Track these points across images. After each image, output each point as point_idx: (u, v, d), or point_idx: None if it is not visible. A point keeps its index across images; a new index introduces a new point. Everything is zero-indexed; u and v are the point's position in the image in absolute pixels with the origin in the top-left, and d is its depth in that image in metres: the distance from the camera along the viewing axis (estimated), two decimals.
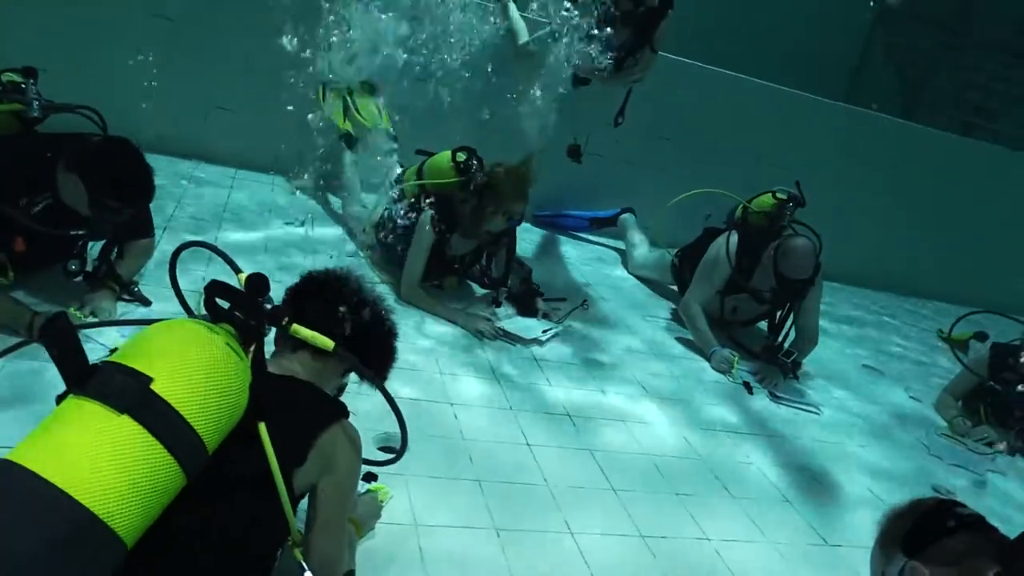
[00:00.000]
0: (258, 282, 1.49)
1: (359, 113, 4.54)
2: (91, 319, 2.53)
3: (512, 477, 2.40)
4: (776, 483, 2.82)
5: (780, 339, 3.91)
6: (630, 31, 3.66)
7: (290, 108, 4.46)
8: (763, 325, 4.14)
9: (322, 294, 1.73)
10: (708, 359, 3.73)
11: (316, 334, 1.56)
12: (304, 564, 1.55)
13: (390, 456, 1.80)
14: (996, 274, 6.29)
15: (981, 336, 4.88)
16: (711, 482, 2.71)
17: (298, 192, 4.43)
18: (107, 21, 4.11)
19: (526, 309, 3.62)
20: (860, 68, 10.03)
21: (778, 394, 3.57)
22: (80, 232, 2.58)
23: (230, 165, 4.55)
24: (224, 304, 1.48)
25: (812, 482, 2.91)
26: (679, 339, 3.94)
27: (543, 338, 3.41)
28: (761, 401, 3.50)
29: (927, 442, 3.54)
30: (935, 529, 1.36)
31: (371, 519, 1.94)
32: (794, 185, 4.07)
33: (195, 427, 1.27)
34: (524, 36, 4.34)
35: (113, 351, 1.34)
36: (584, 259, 4.80)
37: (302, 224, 3.96)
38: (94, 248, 2.73)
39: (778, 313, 3.98)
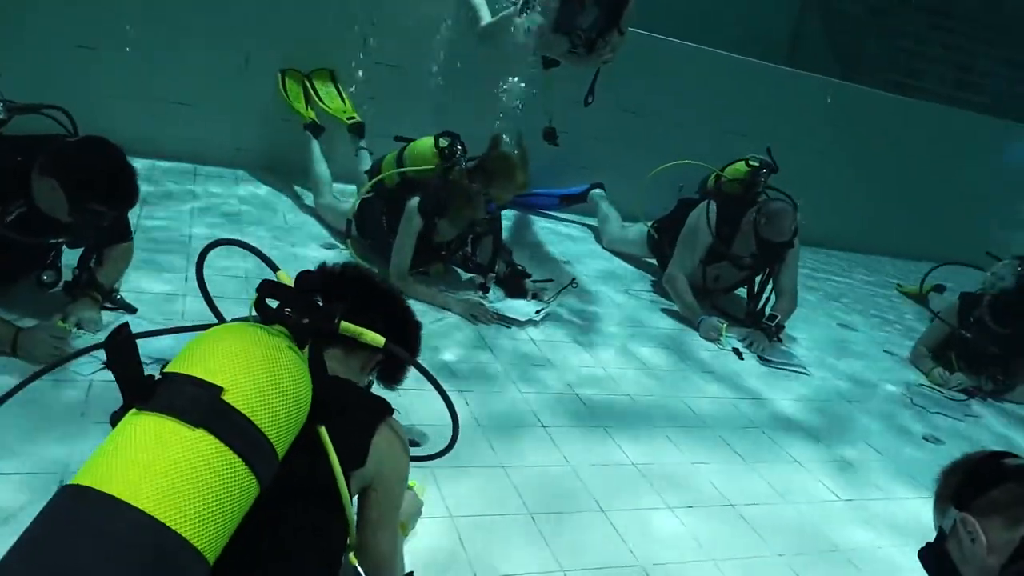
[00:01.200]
0: (310, 279, 1.43)
1: (321, 100, 4.43)
2: (78, 331, 2.40)
3: (535, 461, 2.38)
4: (782, 444, 2.88)
5: (761, 304, 3.99)
6: (598, 12, 3.62)
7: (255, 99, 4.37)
8: (741, 292, 4.21)
9: (349, 288, 1.67)
10: (696, 328, 3.77)
11: (364, 330, 1.50)
12: (360, 569, 1.51)
13: (438, 450, 1.75)
14: (947, 228, 6.53)
15: (939, 288, 5.07)
16: (722, 446, 2.74)
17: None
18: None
19: (515, 291, 3.59)
20: (798, 35, 10.23)
21: (767, 357, 3.63)
22: (59, 240, 2.45)
23: (188, 161, 4.37)
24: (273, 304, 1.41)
25: (814, 440, 2.97)
26: (664, 311, 3.97)
27: (537, 318, 3.39)
28: (752, 366, 3.56)
29: (910, 394, 3.66)
30: (982, 481, 1.39)
31: (414, 517, 1.90)
32: (764, 152, 4.12)
33: (268, 435, 1.21)
34: (487, 18, 4.27)
35: (163, 363, 1.27)
36: (558, 237, 4.79)
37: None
38: (67, 257, 2.59)
39: (757, 278, 4.05)
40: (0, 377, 2.08)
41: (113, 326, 2.39)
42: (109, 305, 2.62)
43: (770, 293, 3.97)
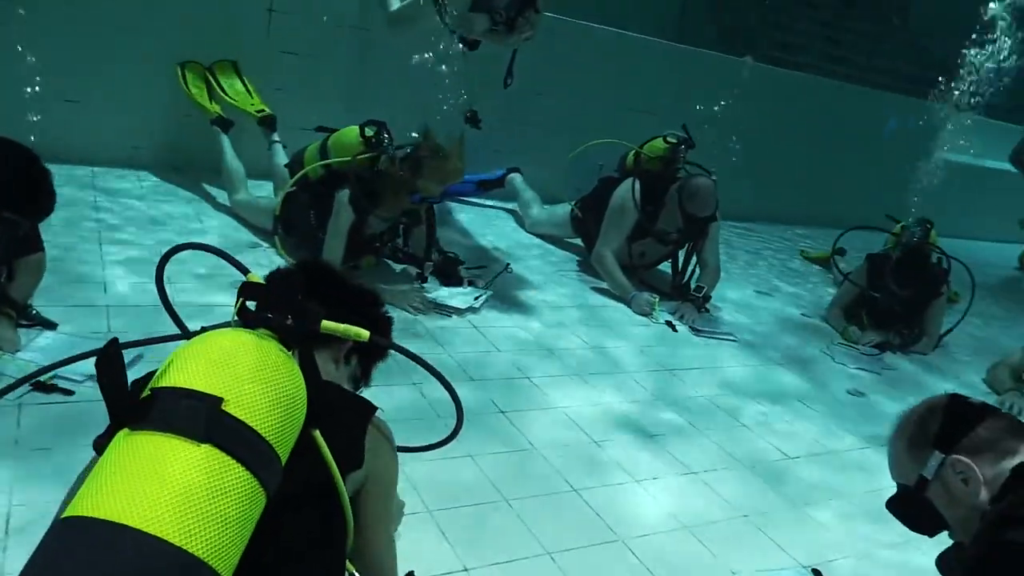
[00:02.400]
0: (291, 280, 1.35)
1: (226, 93, 4.22)
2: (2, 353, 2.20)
3: (501, 447, 2.36)
4: (727, 410, 2.97)
5: (687, 277, 4.10)
6: None
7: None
8: (665, 267, 4.32)
9: (318, 285, 1.59)
10: (628, 304, 3.84)
11: (348, 326, 1.43)
12: (356, 573, 1.45)
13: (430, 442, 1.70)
14: (840, 195, 6.91)
15: (840, 252, 5.36)
16: (672, 416, 2.81)
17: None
18: None
19: (450, 279, 3.55)
20: (685, 10, 10.56)
21: (698, 327, 3.74)
22: None
23: (80, 164, 4.08)
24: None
25: (754, 403, 3.09)
26: (595, 289, 4.02)
27: (477, 305, 3.36)
28: (685, 336, 3.66)
29: (829, 352, 3.86)
30: (962, 422, 1.45)
31: (399, 514, 1.85)
32: (680, 128, 4.22)
33: (272, 443, 1.14)
34: (396, 3, 4.18)
35: (146, 376, 1.17)
36: (480, 223, 4.76)
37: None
38: None
39: (680, 252, 4.16)
40: None
41: (32, 344, 2.25)
42: (25, 322, 2.41)
43: (695, 267, 4.09)
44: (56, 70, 3.84)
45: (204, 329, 1.49)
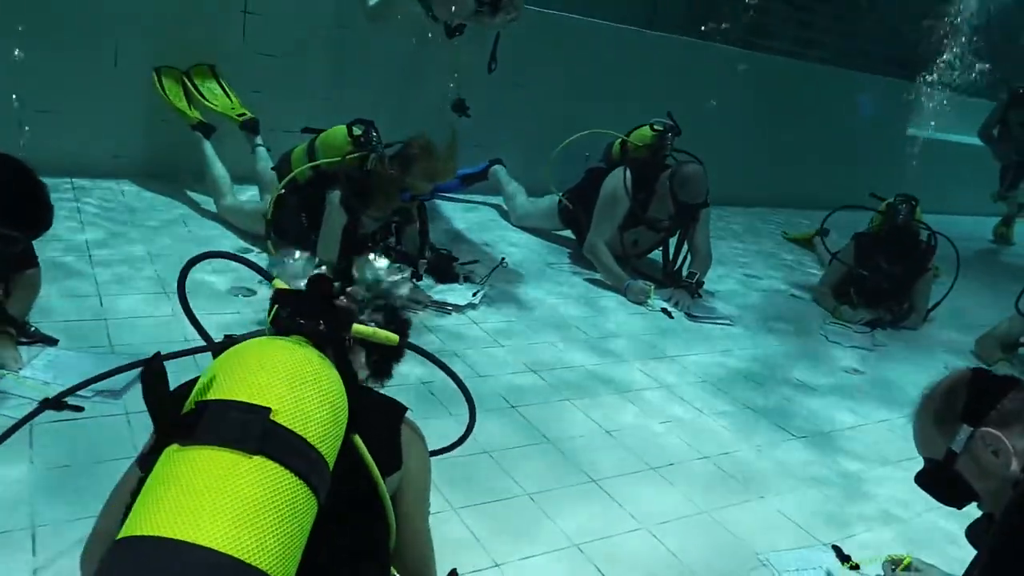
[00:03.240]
0: (326, 284, 1.34)
1: (205, 98, 4.16)
2: (2, 371, 2.15)
3: (514, 442, 2.36)
4: (730, 393, 3.00)
5: (679, 264, 4.13)
6: None
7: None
8: (655, 255, 4.34)
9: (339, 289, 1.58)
10: (623, 293, 3.86)
11: (378, 330, 1.42)
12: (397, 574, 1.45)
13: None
14: (823, 175, 6.99)
15: (824, 232, 5.43)
16: (678, 403, 2.83)
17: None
18: None
19: (446, 276, 3.54)
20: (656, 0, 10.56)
21: (694, 313, 3.77)
22: None
23: (59, 175, 3.99)
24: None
25: (756, 385, 3.12)
26: (588, 280, 4.03)
27: (475, 300, 3.36)
28: (682, 323, 3.68)
29: (823, 332, 3.91)
30: (988, 395, 1.48)
31: None
32: (665, 115, 4.23)
33: (321, 451, 1.13)
34: None
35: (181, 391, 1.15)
36: (465, 219, 4.74)
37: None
38: None
39: (671, 240, 4.18)
40: None
41: (35, 361, 2.20)
42: (24, 339, 2.35)
43: (686, 254, 4.11)
44: (26, 80, 3.76)
45: (228, 338, 1.48)
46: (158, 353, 1.13)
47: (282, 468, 1.06)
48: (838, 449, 2.73)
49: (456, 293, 3.39)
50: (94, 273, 2.97)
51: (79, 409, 2.08)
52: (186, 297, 1.50)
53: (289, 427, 1.10)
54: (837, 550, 2.09)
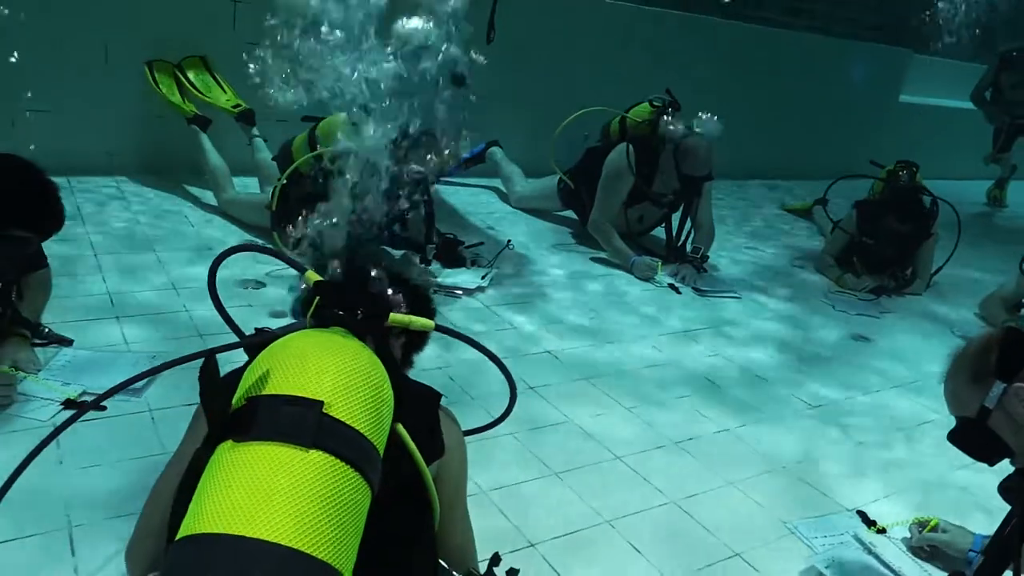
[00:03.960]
0: (365, 274, 1.33)
1: (198, 91, 4.11)
2: (21, 374, 2.14)
3: (540, 422, 2.37)
4: (748, 366, 3.02)
5: (683, 239, 4.13)
6: None
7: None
8: (658, 232, 4.34)
9: (370, 275, 1.57)
10: (630, 270, 3.86)
11: (414, 318, 1.42)
12: (443, 562, 1.46)
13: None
14: (815, 145, 7.00)
15: (822, 201, 5.44)
16: (695, 378, 2.84)
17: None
18: None
19: (453, 260, 3.53)
20: None
21: (701, 288, 3.78)
22: None
23: (56, 174, 3.94)
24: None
25: (768, 356, 3.14)
26: (593, 259, 4.03)
27: (484, 283, 3.35)
28: (690, 298, 3.69)
29: (830, 301, 3.93)
30: (1020, 351, 1.49)
31: None
32: (663, 92, 4.22)
33: (373, 441, 1.13)
34: None
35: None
36: (465, 202, 4.73)
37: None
38: None
39: (675, 215, 4.18)
40: None
41: (52, 362, 2.19)
42: (39, 341, 2.34)
43: (690, 229, 4.11)
44: (17, 80, 3.71)
45: (260, 331, 1.47)
46: (212, 349, 1.12)
47: (338, 460, 1.06)
48: (854, 416, 2.75)
49: (464, 277, 3.38)
50: (101, 272, 2.95)
51: (102, 408, 2.07)
52: (217, 293, 1.49)
53: (342, 419, 1.10)
54: (862, 515, 2.11)
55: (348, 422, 1.10)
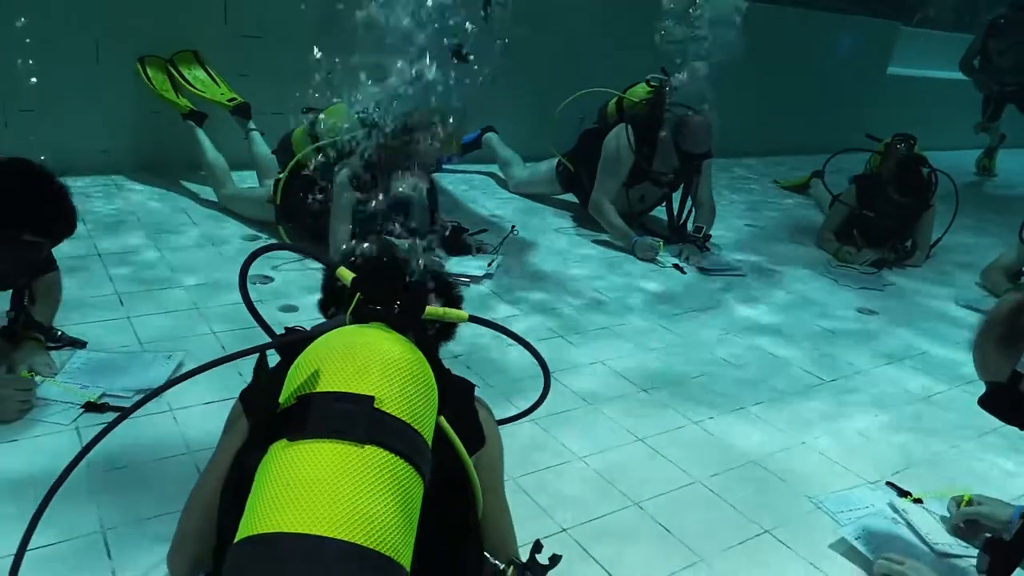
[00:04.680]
0: (400, 268, 1.33)
1: (192, 85, 4.07)
2: (40, 378, 2.12)
3: (556, 408, 2.37)
4: (756, 344, 3.03)
5: (684, 218, 4.13)
6: None
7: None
8: (658, 212, 4.35)
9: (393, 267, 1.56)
10: (631, 251, 3.86)
11: (448, 310, 1.41)
12: (487, 554, 1.46)
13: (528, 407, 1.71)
14: (814, 121, 7.00)
15: (819, 174, 5.46)
16: (707, 355, 2.85)
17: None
18: None
19: (458, 249, 3.52)
20: None
21: (705, 267, 3.79)
22: None
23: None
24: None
25: (777, 334, 3.15)
26: (596, 241, 4.03)
27: (492, 270, 3.35)
28: (695, 277, 3.70)
29: (833, 276, 3.95)
30: None
31: None
32: (659, 71, 4.20)
33: (422, 434, 1.13)
34: None
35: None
36: (463, 189, 4.71)
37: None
38: None
39: (675, 195, 4.18)
40: None
41: (68, 365, 2.17)
42: (52, 344, 2.32)
43: (691, 208, 4.12)
44: (7, 80, 3.65)
45: (291, 330, 1.46)
46: (263, 353, 1.11)
47: (392, 455, 1.06)
48: (870, 390, 2.77)
49: (470, 264, 3.37)
50: (107, 271, 2.92)
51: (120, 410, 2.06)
52: (248, 293, 1.47)
53: (392, 413, 1.10)
54: (893, 485, 2.13)
55: (398, 416, 1.10)
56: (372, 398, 1.08)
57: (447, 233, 3.55)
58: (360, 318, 1.27)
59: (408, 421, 1.11)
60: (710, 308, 3.34)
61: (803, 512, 2.02)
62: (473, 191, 4.70)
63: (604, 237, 4.04)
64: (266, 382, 1.09)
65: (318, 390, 1.09)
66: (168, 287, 2.87)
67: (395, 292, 1.29)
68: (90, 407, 2.05)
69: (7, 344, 2.21)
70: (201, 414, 2.10)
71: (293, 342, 1.28)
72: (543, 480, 2.02)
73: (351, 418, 1.05)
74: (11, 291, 2.21)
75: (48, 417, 1.99)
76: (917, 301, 3.74)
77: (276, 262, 3.19)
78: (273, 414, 1.07)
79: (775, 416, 2.49)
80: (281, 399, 1.12)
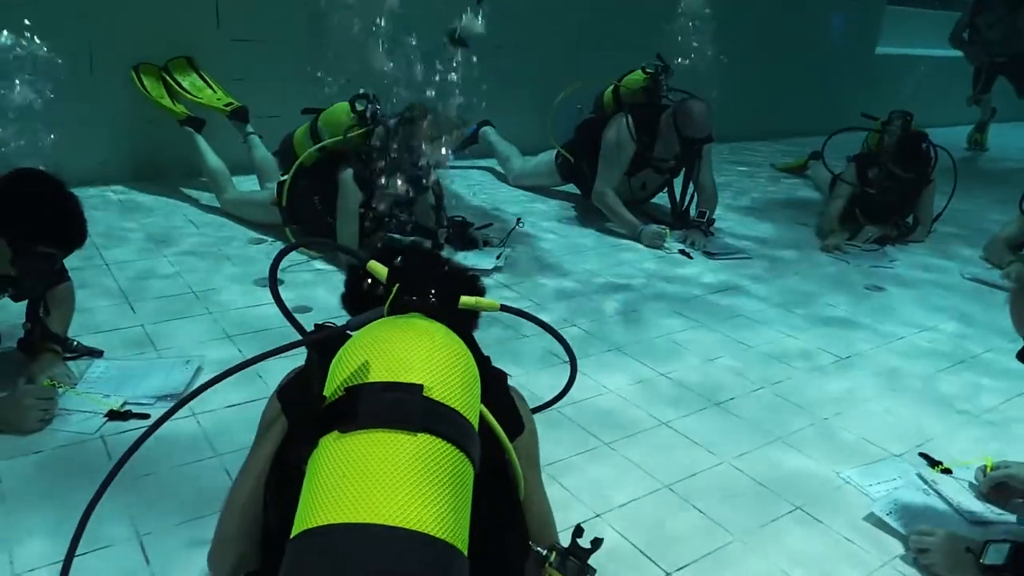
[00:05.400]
0: (438, 258, 1.33)
1: (187, 92, 4.05)
2: (62, 388, 2.11)
3: (580, 395, 2.37)
4: (770, 323, 3.04)
5: (686, 203, 4.14)
6: None
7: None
8: (659, 200, 4.35)
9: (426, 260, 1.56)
10: (638, 239, 3.87)
11: (480, 299, 1.41)
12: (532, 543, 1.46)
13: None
14: (803, 103, 7.01)
15: (816, 155, 5.46)
16: (722, 337, 2.86)
17: None
18: None
19: (465, 243, 3.52)
20: None
21: (711, 251, 3.79)
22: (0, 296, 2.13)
23: None
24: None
25: (788, 312, 3.16)
26: (600, 231, 4.03)
27: (501, 263, 3.35)
28: (703, 263, 3.71)
29: (844, 258, 3.96)
30: None
31: None
32: (655, 58, 4.20)
33: (470, 421, 1.13)
34: None
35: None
36: (463, 184, 4.70)
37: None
38: None
39: (676, 181, 4.19)
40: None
41: (86, 375, 2.16)
42: (69, 355, 2.30)
43: (693, 193, 4.12)
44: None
45: (320, 327, 1.45)
46: (312, 351, 1.11)
47: (445, 442, 1.06)
48: (888, 364, 2.78)
49: (478, 258, 3.37)
50: (116, 282, 2.91)
51: (146, 417, 2.05)
52: (278, 290, 1.47)
53: (441, 401, 1.09)
54: (925, 456, 2.14)
55: (447, 403, 1.10)
56: (421, 386, 1.08)
57: (453, 228, 3.54)
58: (398, 309, 1.27)
59: (457, 408, 1.11)
60: (719, 292, 3.35)
61: (832, 487, 2.02)
62: (473, 186, 4.69)
63: (608, 226, 4.04)
64: (307, 379, 1.09)
65: (366, 381, 1.09)
66: (178, 293, 2.85)
67: (433, 281, 1.29)
68: (113, 415, 2.04)
69: (25, 356, 2.20)
70: (225, 418, 2.09)
71: (326, 338, 1.28)
72: (571, 467, 2.02)
73: (403, 407, 1.05)
74: (26, 303, 2.20)
75: (71, 427, 1.98)
76: (923, 276, 3.75)
77: (284, 264, 3.17)
78: (320, 409, 1.07)
79: (795, 394, 2.50)
80: (327, 393, 1.11)
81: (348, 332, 1.26)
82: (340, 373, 1.13)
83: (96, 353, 2.35)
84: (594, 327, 2.88)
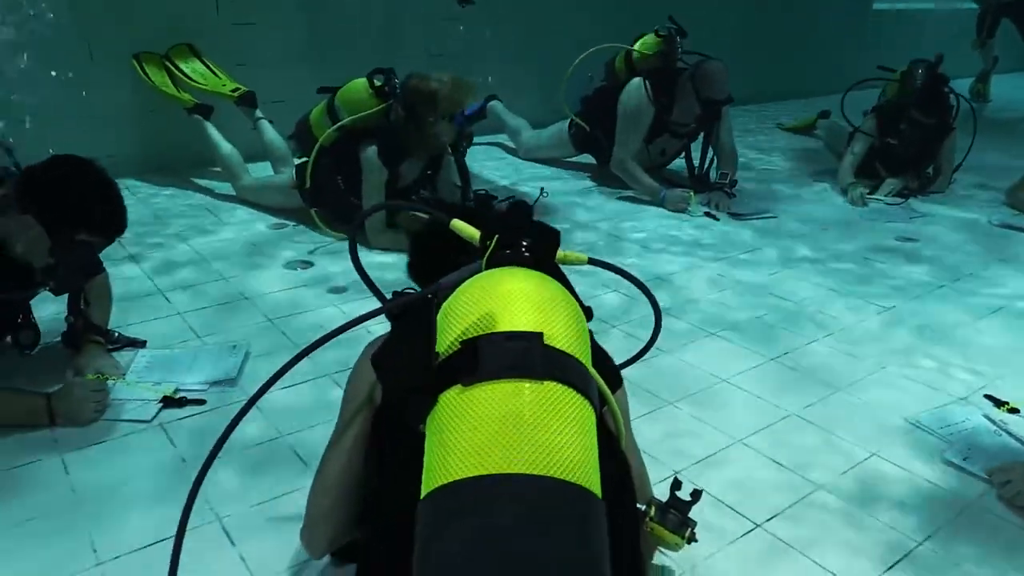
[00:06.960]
0: (526, 212, 1.28)
1: (191, 79, 3.97)
2: (112, 380, 2.05)
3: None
4: (809, 279, 3.01)
5: (707, 166, 4.10)
6: None
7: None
8: (676, 165, 4.30)
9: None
10: (662, 204, 3.82)
11: (569, 252, 1.37)
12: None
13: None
14: (802, 63, 6.96)
15: (825, 114, 5.43)
16: (764, 293, 2.83)
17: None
18: None
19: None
20: None
21: (737, 212, 3.76)
22: (32, 293, 2.07)
23: None
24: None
25: (823, 269, 3.13)
26: (622, 198, 3.99)
27: None
28: (729, 224, 3.67)
29: (861, 211, 3.93)
30: None
31: None
32: (667, 20, 4.13)
33: (587, 367, 1.09)
34: None
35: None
36: (473, 160, 4.62)
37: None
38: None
39: (694, 145, 4.14)
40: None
41: (133, 365, 2.11)
42: (112, 346, 2.25)
43: (713, 156, 4.08)
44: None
45: (399, 294, 1.41)
46: (429, 307, 1.07)
47: (569, 388, 1.02)
48: (931, 311, 2.75)
49: None
50: (145, 272, 2.85)
51: (202, 402, 2.01)
52: (359, 259, 1.42)
53: (562, 349, 1.05)
54: (991, 398, 2.12)
55: (568, 351, 1.06)
56: (541, 334, 1.04)
57: (477, 202, 3.49)
58: (496, 263, 1.22)
59: (577, 356, 1.07)
60: (754, 249, 3.31)
61: (903, 432, 2.00)
62: (484, 161, 4.64)
63: (628, 193, 3.99)
64: (408, 340, 1.04)
65: (484, 333, 1.05)
66: (208, 281, 2.80)
67: (532, 233, 1.24)
68: (168, 402, 1.99)
69: (70, 350, 2.15)
70: (281, 400, 2.05)
71: (407, 304, 1.24)
72: (639, 428, 1.98)
73: (526, 355, 1.01)
74: (67, 295, 2.14)
75: (128, 416, 1.93)
76: (953, 225, 3.73)
77: (311, 247, 3.12)
78: (433, 367, 1.03)
79: (846, 345, 2.47)
80: (439, 349, 1.07)
81: (428, 295, 1.22)
82: (452, 328, 1.08)
83: (139, 343, 2.30)
84: (635, 292, 2.83)
